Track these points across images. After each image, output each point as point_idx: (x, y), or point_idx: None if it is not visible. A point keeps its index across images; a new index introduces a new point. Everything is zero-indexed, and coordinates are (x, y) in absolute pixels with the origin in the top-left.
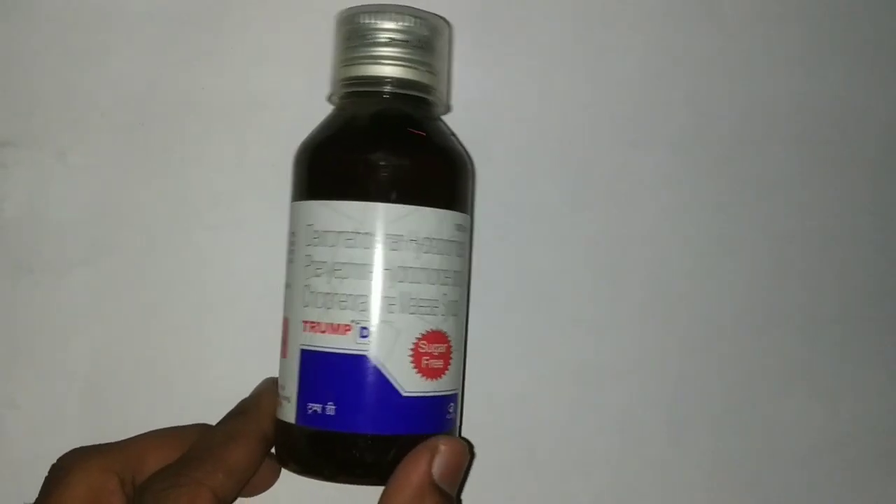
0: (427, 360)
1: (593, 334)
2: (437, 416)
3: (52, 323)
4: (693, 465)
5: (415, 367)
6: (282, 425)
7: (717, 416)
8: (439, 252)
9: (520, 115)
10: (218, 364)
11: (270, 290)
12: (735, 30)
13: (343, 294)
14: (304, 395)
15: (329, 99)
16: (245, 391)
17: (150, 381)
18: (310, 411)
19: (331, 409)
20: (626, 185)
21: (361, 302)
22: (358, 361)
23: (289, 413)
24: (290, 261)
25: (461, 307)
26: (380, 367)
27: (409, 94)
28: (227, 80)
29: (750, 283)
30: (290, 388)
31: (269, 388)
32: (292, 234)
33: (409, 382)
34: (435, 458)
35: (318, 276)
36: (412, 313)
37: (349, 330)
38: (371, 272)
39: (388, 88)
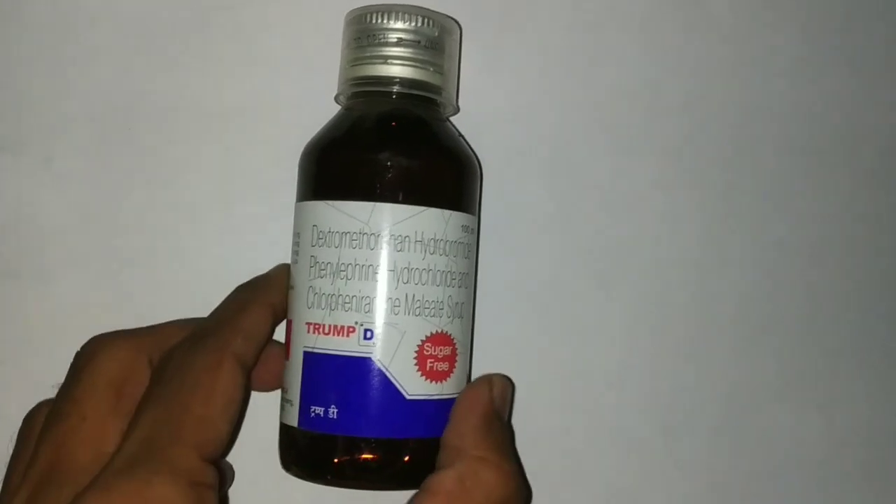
0: (432, 362)
1: (587, 340)
2: (442, 418)
3: (38, 330)
4: (689, 474)
5: (419, 370)
6: (284, 428)
7: (714, 425)
8: (445, 253)
9: (515, 117)
10: None
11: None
12: (731, 36)
13: (347, 295)
14: (307, 398)
15: (336, 99)
16: None
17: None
18: (312, 414)
19: (333, 412)
20: (621, 189)
21: (366, 304)
22: (361, 364)
23: (291, 416)
24: (295, 262)
25: (467, 309)
26: (383, 369)
27: (417, 95)
28: (218, 82)
29: (745, 289)
30: (293, 391)
31: (282, 266)
32: (297, 235)
33: (414, 385)
34: (493, 389)
35: (322, 277)
36: (417, 315)
37: (353, 332)
38: (376, 273)
39: (396, 88)
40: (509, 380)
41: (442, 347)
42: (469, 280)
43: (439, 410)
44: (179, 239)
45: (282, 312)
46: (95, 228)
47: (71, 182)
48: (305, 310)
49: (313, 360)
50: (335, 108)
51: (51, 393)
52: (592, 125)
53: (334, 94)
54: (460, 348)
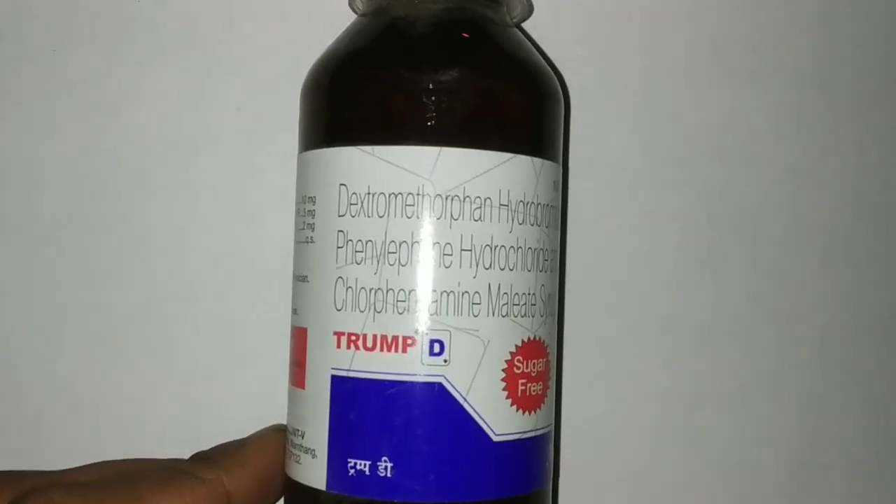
0: (524, 383)
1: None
2: (536, 465)
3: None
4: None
5: (509, 397)
6: (302, 492)
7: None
8: (537, 222)
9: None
10: (162, 381)
11: (235, 285)
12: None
13: (401, 290)
14: (341, 447)
15: (352, 3)
16: (198, 413)
17: (61, 399)
18: (351, 471)
19: (386, 467)
20: (735, 134)
21: (432, 301)
22: (428, 392)
23: (312, 472)
24: (306, 240)
25: (556, 303)
26: (461, 399)
27: None
28: None
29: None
30: (315, 436)
31: (269, 435)
32: (307, 199)
33: (503, 420)
34: None
35: (359, 262)
36: (504, 315)
37: (412, 345)
38: (446, 255)
39: None
40: None
41: (535, 361)
42: (556, 261)
43: (533, 452)
44: (128, 202)
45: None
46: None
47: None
48: (332, 313)
49: (349, 390)
50: (338, 16)
51: None
52: (700, 46)
53: None
54: (552, 360)
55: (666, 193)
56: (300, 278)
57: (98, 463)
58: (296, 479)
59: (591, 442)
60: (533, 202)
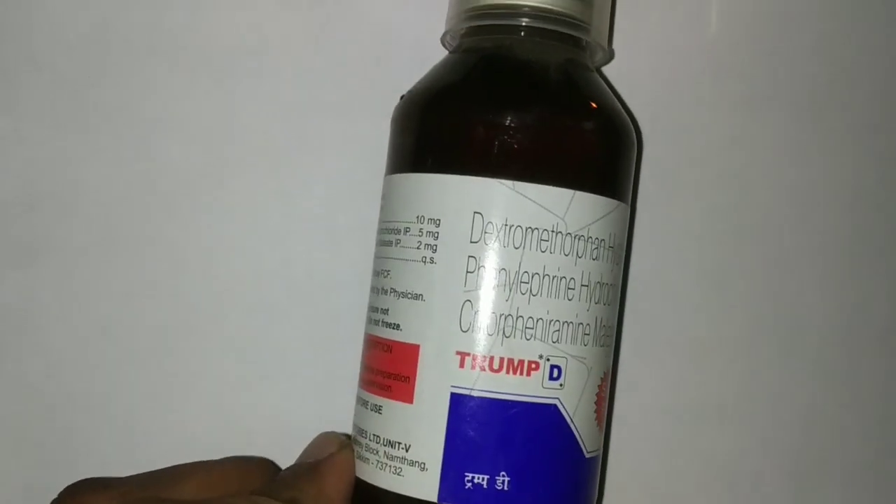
0: (603, 406)
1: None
2: (598, 478)
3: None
4: None
5: (596, 418)
6: (399, 502)
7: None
8: (619, 261)
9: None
10: (194, 395)
11: (263, 303)
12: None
13: (529, 317)
14: (459, 461)
15: (445, 39)
16: (228, 426)
17: (98, 413)
18: (468, 485)
19: (504, 481)
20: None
21: (555, 330)
22: (546, 413)
23: (420, 484)
24: (425, 260)
25: None
26: (569, 420)
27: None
28: (207, 15)
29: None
30: (425, 449)
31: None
32: (425, 220)
33: (591, 438)
34: None
35: (491, 288)
36: (602, 345)
37: (536, 369)
38: (570, 289)
39: (525, 22)
40: None
41: (608, 384)
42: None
43: (599, 468)
44: (158, 223)
45: None
46: (45, 211)
47: (15, 150)
48: (458, 334)
49: (471, 407)
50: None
51: None
52: (703, 76)
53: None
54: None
55: (670, 214)
56: (408, 295)
57: (183, 471)
58: (396, 491)
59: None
60: (621, 245)
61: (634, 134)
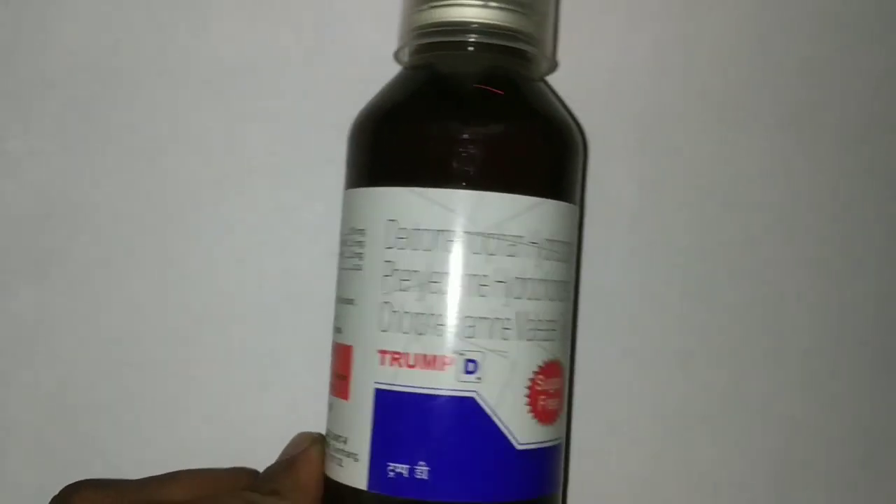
0: (544, 399)
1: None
2: (551, 471)
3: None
4: None
5: (531, 411)
6: (343, 492)
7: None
8: (560, 258)
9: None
10: (199, 402)
11: (265, 313)
12: None
13: (442, 315)
14: (383, 452)
15: (397, 55)
16: (232, 432)
17: (108, 420)
18: (391, 473)
19: (422, 470)
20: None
21: (468, 326)
22: (462, 405)
23: (355, 474)
24: (355, 268)
25: (570, 329)
26: (490, 411)
27: (508, 47)
28: (212, 38)
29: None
30: (357, 441)
31: (314, 449)
32: (356, 231)
33: (524, 431)
34: None
35: (404, 289)
36: (530, 339)
37: (449, 364)
38: (482, 286)
39: (473, 38)
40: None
41: (554, 379)
42: (571, 292)
43: (549, 460)
44: (166, 237)
45: None
46: (60, 226)
47: (30, 167)
48: (378, 334)
49: (391, 402)
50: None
51: None
52: (690, 97)
53: (394, 50)
54: (566, 380)
55: (661, 229)
56: (346, 301)
57: (178, 476)
58: (338, 480)
59: (593, 454)
60: (558, 240)
61: (565, 134)
